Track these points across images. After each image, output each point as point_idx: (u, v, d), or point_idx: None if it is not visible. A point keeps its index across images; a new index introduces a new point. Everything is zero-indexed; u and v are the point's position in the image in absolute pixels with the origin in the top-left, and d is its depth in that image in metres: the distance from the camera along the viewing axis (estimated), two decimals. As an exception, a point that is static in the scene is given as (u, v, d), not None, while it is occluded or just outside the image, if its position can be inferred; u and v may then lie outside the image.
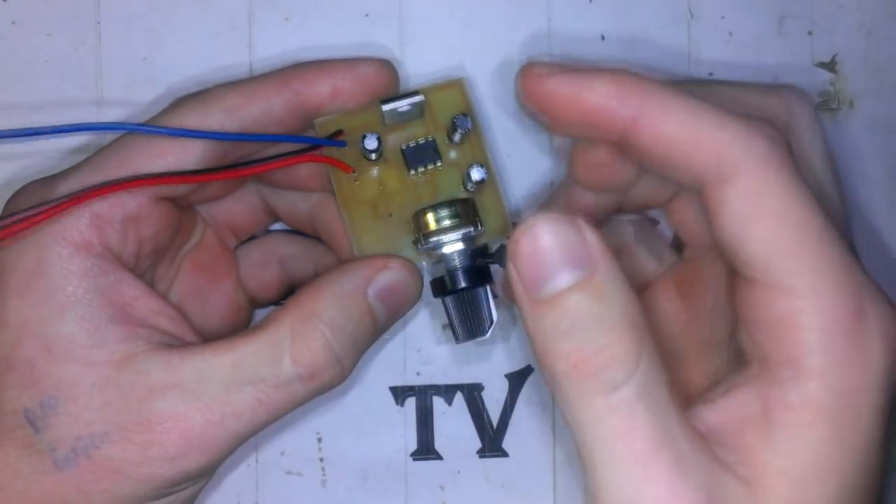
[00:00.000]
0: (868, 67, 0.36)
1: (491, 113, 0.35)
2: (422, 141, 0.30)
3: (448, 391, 0.36)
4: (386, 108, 0.29)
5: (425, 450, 0.36)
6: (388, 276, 0.29)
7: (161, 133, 0.28)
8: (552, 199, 0.33)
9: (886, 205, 0.36)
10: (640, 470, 0.23)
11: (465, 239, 0.30)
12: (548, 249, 0.23)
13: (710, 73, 0.36)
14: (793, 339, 0.23)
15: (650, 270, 0.32)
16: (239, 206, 0.33)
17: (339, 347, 0.28)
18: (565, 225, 0.24)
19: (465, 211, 0.30)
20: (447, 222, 0.29)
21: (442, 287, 0.30)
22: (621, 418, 0.23)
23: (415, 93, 0.30)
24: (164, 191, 0.29)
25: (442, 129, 0.31)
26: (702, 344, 0.29)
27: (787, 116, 0.28)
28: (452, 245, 0.30)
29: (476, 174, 0.30)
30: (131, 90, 0.34)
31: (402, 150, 0.30)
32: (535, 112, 0.27)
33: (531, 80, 0.26)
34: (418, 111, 0.30)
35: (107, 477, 0.27)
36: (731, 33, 0.36)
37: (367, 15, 0.35)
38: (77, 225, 0.27)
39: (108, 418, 0.27)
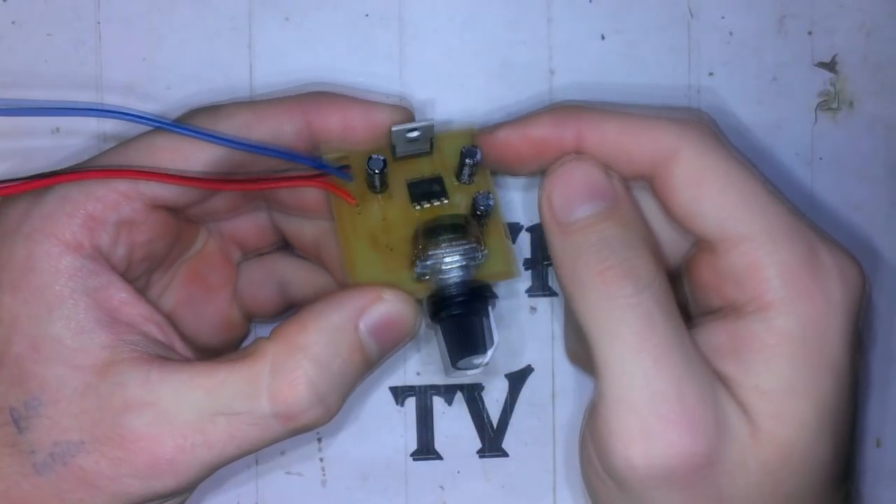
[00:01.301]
0: (868, 67, 0.36)
1: (490, 113, 0.35)
2: (428, 176, 0.30)
3: (448, 391, 0.36)
4: (395, 128, 0.29)
5: (425, 450, 0.36)
6: (383, 308, 0.27)
7: (166, 128, 0.28)
8: None
9: (886, 205, 0.36)
10: (651, 363, 0.26)
11: (467, 256, 0.28)
12: (581, 182, 0.28)
13: (711, 74, 0.36)
14: (755, 280, 0.26)
15: None
16: (246, 223, 0.32)
17: (323, 387, 0.26)
18: (597, 167, 0.28)
19: (467, 229, 0.29)
20: (448, 237, 0.28)
21: (438, 306, 0.29)
22: (640, 317, 0.26)
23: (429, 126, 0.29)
24: (161, 200, 0.28)
25: (450, 169, 0.30)
26: None
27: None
28: (451, 261, 0.28)
29: (482, 201, 0.29)
30: (131, 90, 0.34)
31: (407, 184, 0.30)
32: (499, 164, 0.30)
33: (485, 139, 0.29)
34: (427, 140, 0.30)
35: (81, 487, 0.26)
36: (731, 33, 0.36)
37: (367, 15, 0.35)
38: (69, 224, 0.27)
39: (85, 427, 0.26)
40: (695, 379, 0.26)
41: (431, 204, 0.30)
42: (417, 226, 0.29)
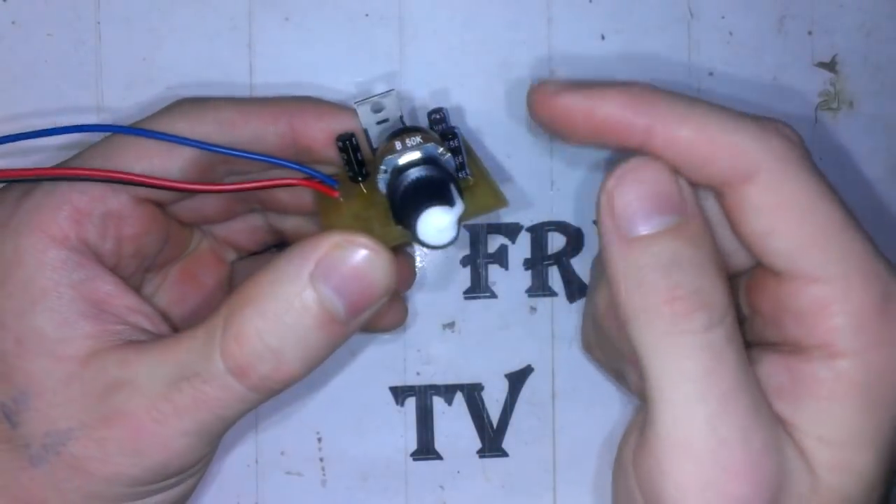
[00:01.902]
0: (868, 67, 0.36)
1: (491, 113, 0.35)
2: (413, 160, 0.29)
3: (448, 391, 0.36)
4: (358, 104, 0.28)
5: (425, 450, 0.36)
6: (341, 257, 0.24)
7: (146, 136, 0.28)
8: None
9: (886, 205, 0.36)
10: (718, 409, 0.23)
11: (425, 151, 0.26)
12: (651, 191, 0.24)
13: (711, 73, 0.36)
14: (824, 324, 0.24)
15: None
16: (240, 226, 0.33)
17: (274, 340, 0.24)
18: (669, 173, 0.25)
19: (423, 132, 0.27)
20: (401, 136, 0.27)
21: (393, 187, 0.26)
22: (710, 357, 0.23)
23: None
24: (146, 193, 0.28)
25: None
26: None
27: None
28: (410, 156, 0.26)
29: (447, 129, 0.28)
30: (131, 90, 0.34)
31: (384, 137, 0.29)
32: (549, 127, 0.27)
33: (543, 97, 0.26)
34: (398, 118, 0.29)
35: (76, 475, 0.26)
36: (731, 33, 0.36)
37: (367, 15, 0.35)
38: (55, 217, 0.27)
39: (72, 415, 0.26)
40: (761, 426, 0.24)
41: None
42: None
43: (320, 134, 0.29)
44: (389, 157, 0.27)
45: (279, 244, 0.34)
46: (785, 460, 0.24)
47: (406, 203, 0.25)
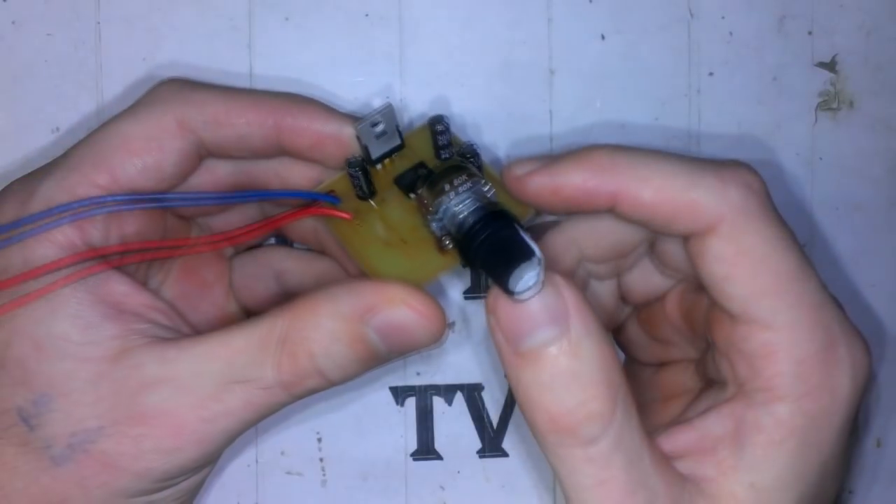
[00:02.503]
0: (868, 67, 0.36)
1: (491, 113, 0.35)
2: (410, 166, 0.30)
3: (448, 391, 0.36)
4: (360, 126, 0.29)
5: (425, 450, 0.36)
6: (396, 315, 0.26)
7: (174, 203, 0.29)
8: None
9: (886, 205, 0.36)
10: None
11: (474, 191, 0.27)
12: (527, 307, 0.24)
13: (711, 74, 0.36)
14: (769, 369, 0.25)
15: (636, 298, 0.32)
16: (236, 218, 0.33)
17: (323, 363, 0.27)
18: (546, 282, 0.24)
19: (464, 167, 0.28)
20: (449, 180, 0.27)
21: (465, 245, 0.27)
22: (598, 469, 0.24)
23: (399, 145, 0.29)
24: (142, 184, 0.28)
25: (429, 155, 0.30)
26: (676, 366, 0.31)
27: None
28: (461, 201, 0.27)
29: (467, 148, 0.29)
30: (131, 90, 0.34)
31: (395, 181, 0.30)
32: (526, 201, 0.28)
33: (513, 182, 0.27)
34: (394, 131, 0.29)
35: (104, 471, 0.27)
36: (731, 33, 0.36)
37: (367, 15, 0.35)
38: (61, 228, 0.27)
39: (103, 413, 0.27)
40: None
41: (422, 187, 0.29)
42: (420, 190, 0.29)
43: (307, 137, 0.29)
44: (441, 202, 0.27)
45: (278, 239, 0.34)
46: None
47: (488, 262, 0.26)
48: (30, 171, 0.34)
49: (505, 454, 0.36)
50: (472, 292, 0.36)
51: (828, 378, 0.25)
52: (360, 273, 0.30)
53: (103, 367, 0.27)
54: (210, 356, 0.27)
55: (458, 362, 0.36)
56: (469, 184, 0.27)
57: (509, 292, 0.25)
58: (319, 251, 0.33)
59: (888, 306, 0.36)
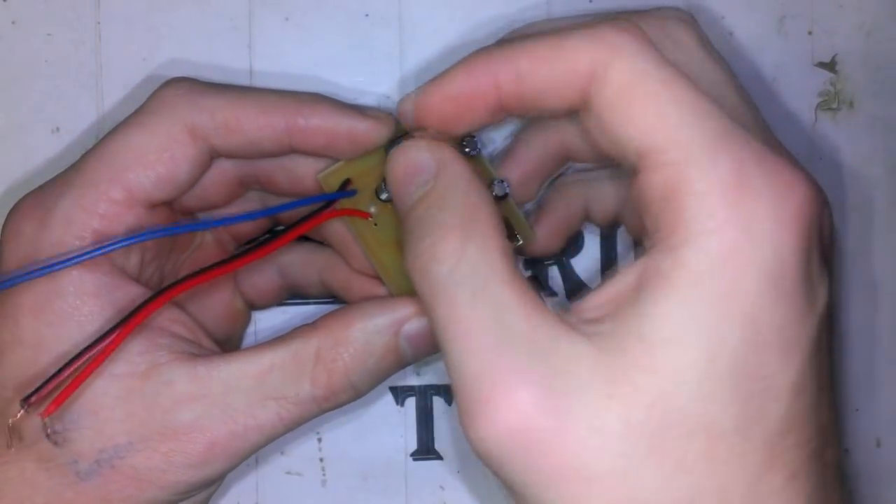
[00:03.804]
0: (868, 67, 0.36)
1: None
2: None
3: (448, 391, 0.36)
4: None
5: (425, 450, 0.36)
6: (425, 322, 0.28)
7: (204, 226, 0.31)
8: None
9: (886, 205, 0.36)
10: (464, 347, 0.24)
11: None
12: (402, 166, 0.27)
13: (710, 73, 0.36)
14: (674, 210, 0.22)
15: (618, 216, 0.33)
16: (237, 209, 0.32)
17: (356, 377, 0.29)
18: (413, 145, 0.27)
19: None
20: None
21: None
22: (445, 304, 0.24)
23: None
24: (157, 197, 0.29)
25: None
26: None
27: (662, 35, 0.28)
28: None
29: (498, 189, 0.30)
30: (131, 90, 0.34)
31: None
32: (435, 127, 0.28)
33: (408, 115, 0.28)
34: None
35: (131, 485, 0.27)
36: (731, 33, 0.36)
37: (367, 15, 0.35)
38: (82, 247, 0.27)
39: (133, 429, 0.27)
40: (516, 359, 0.23)
41: None
42: None
43: (320, 138, 0.29)
44: None
45: (274, 232, 0.34)
46: (565, 377, 0.22)
47: None
48: (29, 171, 0.34)
49: (505, 454, 0.36)
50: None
51: (736, 212, 0.21)
52: (367, 266, 0.31)
53: (134, 383, 0.27)
54: (242, 373, 0.28)
55: (458, 362, 0.36)
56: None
57: None
58: (322, 240, 0.33)
59: (888, 306, 0.36)
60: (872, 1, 0.36)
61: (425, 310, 0.25)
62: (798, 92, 0.36)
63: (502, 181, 0.30)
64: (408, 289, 0.29)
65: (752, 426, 0.22)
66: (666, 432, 0.22)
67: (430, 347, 0.29)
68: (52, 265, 0.27)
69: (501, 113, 0.27)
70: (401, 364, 0.29)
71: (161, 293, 0.27)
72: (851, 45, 0.36)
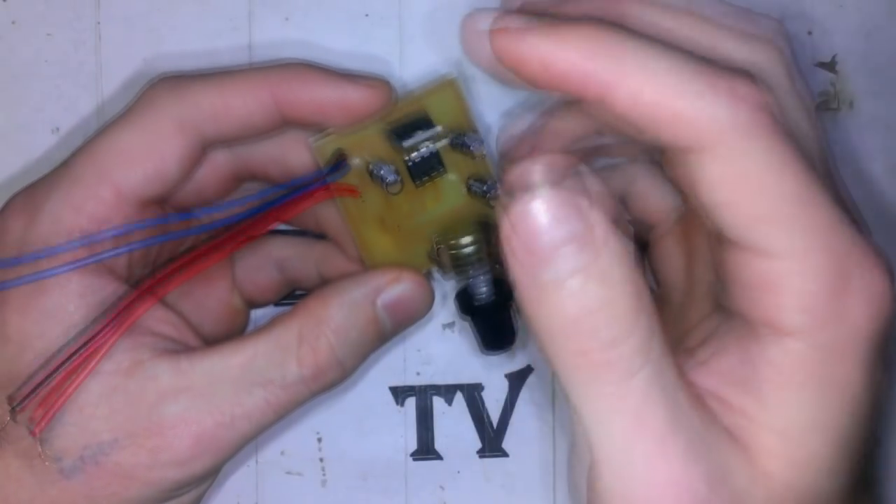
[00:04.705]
0: (868, 67, 0.36)
1: (488, 114, 0.35)
2: (425, 153, 0.30)
3: (448, 391, 0.36)
4: (407, 144, 0.29)
5: (425, 450, 0.36)
6: (399, 289, 0.29)
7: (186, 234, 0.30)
8: (538, 142, 0.30)
9: (886, 205, 0.36)
10: (657, 449, 0.22)
11: (490, 264, 0.30)
12: (547, 229, 0.21)
13: (710, 73, 0.36)
14: (771, 302, 0.23)
15: (658, 216, 0.31)
16: (237, 207, 0.32)
17: (341, 352, 0.29)
18: (566, 201, 0.21)
19: (486, 235, 0.30)
20: (471, 253, 0.30)
21: (467, 306, 0.31)
22: (637, 404, 0.22)
23: (427, 122, 0.29)
24: (147, 195, 0.28)
25: (445, 132, 0.30)
26: (702, 293, 0.29)
27: (763, 69, 0.26)
28: (477, 272, 0.30)
29: (483, 187, 0.30)
30: (131, 90, 0.34)
31: (408, 166, 0.30)
32: (494, 70, 0.24)
33: (501, 37, 0.23)
34: (435, 132, 0.30)
35: (115, 482, 0.27)
36: (731, 33, 0.36)
37: (367, 15, 0.35)
38: (69, 244, 0.27)
39: (117, 426, 0.27)
40: (703, 458, 0.23)
41: (430, 177, 0.30)
42: (434, 241, 0.31)
43: (309, 108, 0.29)
44: (458, 271, 0.30)
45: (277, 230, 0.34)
46: (716, 461, 0.23)
47: (479, 324, 0.31)
48: (29, 171, 0.34)
49: (505, 454, 0.36)
50: (472, 292, 0.36)
51: (841, 309, 0.22)
52: (356, 252, 0.31)
53: (117, 380, 0.27)
54: (226, 363, 0.28)
55: (458, 362, 0.36)
56: (486, 270, 0.30)
57: (484, 352, 0.31)
58: (318, 231, 0.33)
59: (888, 306, 0.36)
60: (872, 1, 0.36)
61: (584, 404, 0.22)
62: (798, 92, 0.36)
63: (494, 184, 0.30)
64: (384, 261, 0.30)
65: (851, 484, 0.25)
66: None
67: (406, 317, 0.30)
68: (44, 272, 0.27)
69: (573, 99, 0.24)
70: (382, 337, 0.30)
71: (148, 291, 0.27)
72: (851, 45, 0.36)
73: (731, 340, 0.24)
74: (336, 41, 0.35)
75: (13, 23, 0.34)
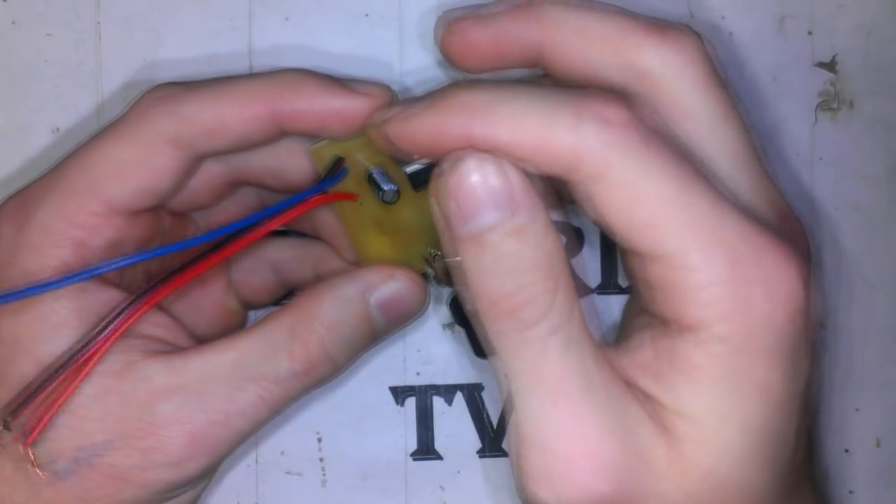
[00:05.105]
0: (868, 67, 0.36)
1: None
2: (425, 164, 0.29)
3: (448, 391, 0.36)
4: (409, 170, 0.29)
5: (425, 450, 0.36)
6: (392, 287, 0.29)
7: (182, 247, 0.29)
8: None
9: (886, 205, 0.36)
10: (549, 399, 0.25)
11: None
12: (473, 188, 0.24)
13: (710, 73, 0.36)
14: (677, 299, 0.24)
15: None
16: (234, 209, 0.32)
17: (332, 348, 0.28)
18: (490, 164, 0.24)
19: None
20: None
21: (459, 316, 0.32)
22: (534, 353, 0.24)
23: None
24: (138, 205, 0.28)
25: None
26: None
27: (663, 74, 0.27)
28: None
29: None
30: (131, 90, 0.34)
31: (408, 175, 0.29)
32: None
33: (371, 132, 0.27)
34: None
35: (109, 483, 0.27)
36: (731, 33, 0.36)
37: (367, 15, 0.35)
38: (59, 255, 0.27)
39: (110, 427, 0.27)
40: (599, 413, 0.25)
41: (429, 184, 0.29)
42: (432, 260, 0.30)
43: (308, 121, 0.28)
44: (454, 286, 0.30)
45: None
46: (638, 439, 0.25)
47: (474, 337, 0.30)
48: (28, 171, 0.34)
49: (505, 454, 0.36)
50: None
51: (744, 302, 0.24)
52: (353, 254, 0.31)
53: (109, 381, 0.27)
54: (218, 361, 0.28)
55: (458, 362, 0.36)
56: None
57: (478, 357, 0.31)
58: (313, 234, 0.33)
59: (888, 306, 0.36)
60: (872, 1, 0.36)
61: (498, 351, 0.25)
62: (798, 92, 0.36)
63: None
64: (378, 260, 0.30)
65: (776, 478, 0.26)
66: (716, 498, 0.25)
67: (399, 315, 0.30)
68: (34, 287, 0.27)
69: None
70: (375, 334, 0.29)
71: (141, 299, 0.27)
72: (851, 45, 0.36)
73: (647, 335, 0.26)
74: (336, 41, 0.35)
75: (13, 23, 0.34)
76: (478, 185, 0.24)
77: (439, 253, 0.30)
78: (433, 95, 0.26)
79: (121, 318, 0.27)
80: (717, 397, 0.24)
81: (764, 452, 0.25)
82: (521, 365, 0.25)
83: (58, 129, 0.34)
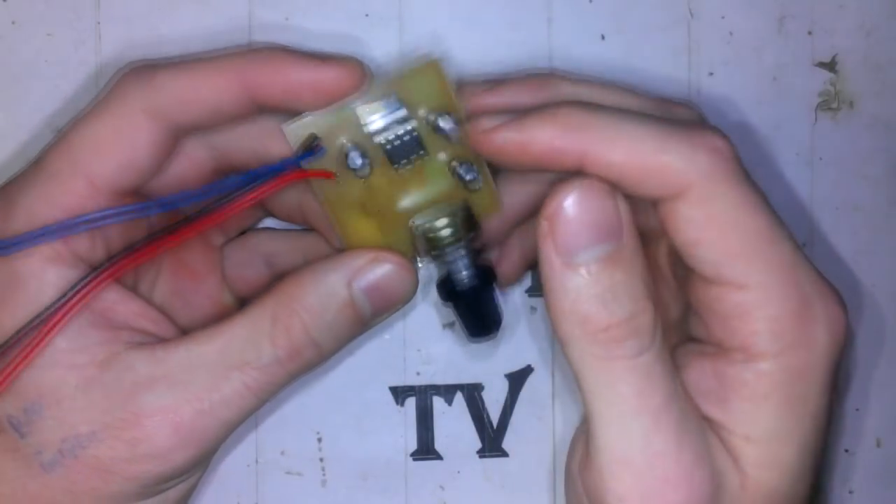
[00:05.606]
0: (868, 67, 0.36)
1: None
2: (404, 136, 0.29)
3: (448, 391, 0.36)
4: (371, 129, 0.28)
5: (425, 450, 0.36)
6: (377, 271, 0.29)
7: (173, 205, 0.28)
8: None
9: (886, 205, 0.36)
10: (652, 422, 0.26)
11: (467, 247, 0.30)
12: (587, 218, 0.26)
13: (711, 74, 0.36)
14: (744, 328, 0.26)
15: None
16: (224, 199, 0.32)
17: (316, 333, 0.28)
18: (606, 195, 0.26)
19: (464, 218, 0.29)
20: (447, 235, 0.29)
21: (449, 292, 0.31)
22: (640, 379, 0.26)
23: (396, 103, 0.28)
24: (120, 185, 0.28)
25: (423, 117, 0.29)
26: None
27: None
28: (455, 255, 0.30)
29: (467, 174, 0.29)
30: (131, 90, 0.34)
31: (385, 149, 0.29)
32: (491, 158, 0.28)
33: (479, 137, 0.28)
34: (402, 115, 0.29)
35: (95, 476, 0.27)
36: (731, 33, 0.36)
37: (367, 15, 0.35)
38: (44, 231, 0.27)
39: (94, 418, 0.27)
40: (692, 435, 0.26)
41: (410, 160, 0.29)
42: (413, 230, 0.30)
43: (279, 91, 0.28)
44: (436, 254, 0.30)
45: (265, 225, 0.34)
46: (716, 463, 0.26)
47: (463, 312, 0.31)
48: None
49: (505, 454, 0.36)
50: (472, 292, 0.36)
51: (804, 334, 0.26)
52: (340, 241, 0.30)
53: (93, 372, 0.27)
54: (202, 350, 0.27)
55: (458, 362, 0.36)
56: (464, 242, 0.30)
57: (470, 340, 0.31)
58: (304, 224, 0.33)
59: (888, 306, 0.36)
60: (872, 1, 0.36)
61: (587, 376, 0.26)
62: (798, 92, 0.36)
63: (471, 166, 0.29)
64: (363, 244, 0.29)
65: (811, 488, 0.28)
66: None
67: (387, 300, 0.29)
68: (15, 240, 0.27)
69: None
70: (361, 319, 0.29)
71: (100, 272, 0.27)
72: (851, 45, 0.36)
73: (706, 365, 0.27)
74: (336, 41, 0.35)
75: (13, 23, 0.34)
76: (591, 213, 0.26)
77: (424, 223, 0.29)
78: (543, 111, 0.27)
79: (82, 289, 0.27)
80: (779, 421, 0.26)
81: (811, 467, 0.27)
82: (625, 390, 0.26)
83: (58, 130, 0.34)
